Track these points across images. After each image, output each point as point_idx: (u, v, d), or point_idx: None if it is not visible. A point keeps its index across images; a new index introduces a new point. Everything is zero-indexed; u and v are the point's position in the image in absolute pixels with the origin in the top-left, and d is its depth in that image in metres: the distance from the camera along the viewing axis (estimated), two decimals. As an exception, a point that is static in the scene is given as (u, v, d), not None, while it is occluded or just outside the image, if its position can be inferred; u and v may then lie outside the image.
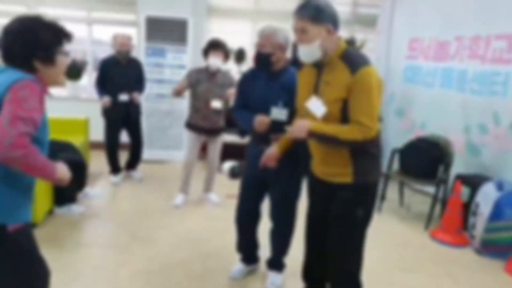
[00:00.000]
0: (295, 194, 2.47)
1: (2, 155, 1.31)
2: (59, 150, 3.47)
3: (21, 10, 5.44)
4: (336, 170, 1.91)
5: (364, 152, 1.86)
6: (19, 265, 1.54)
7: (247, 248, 2.70)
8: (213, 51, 3.50)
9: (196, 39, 5.21)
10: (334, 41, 1.81)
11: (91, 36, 5.60)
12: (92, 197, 3.81)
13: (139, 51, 5.03)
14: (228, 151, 4.93)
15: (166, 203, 3.87)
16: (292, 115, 2.21)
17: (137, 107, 4.27)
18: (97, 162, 4.67)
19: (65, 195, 3.44)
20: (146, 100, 5.01)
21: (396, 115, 5.08)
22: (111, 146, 4.26)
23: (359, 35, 5.47)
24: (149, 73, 4.96)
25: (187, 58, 5.14)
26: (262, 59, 2.32)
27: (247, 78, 2.49)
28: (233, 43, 5.34)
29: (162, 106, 5.17)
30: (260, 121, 2.28)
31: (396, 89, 5.09)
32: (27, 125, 1.36)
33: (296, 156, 2.29)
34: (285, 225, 2.52)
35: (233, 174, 4.70)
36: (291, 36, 2.07)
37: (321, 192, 2.03)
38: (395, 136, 4.85)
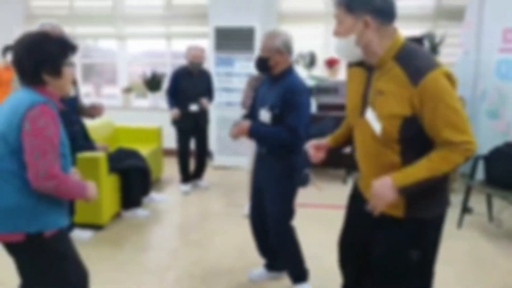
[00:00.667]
0: (284, 213, 2.39)
1: (38, 187, 1.50)
2: (126, 157, 3.70)
3: (110, 30, 6.00)
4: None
5: None
6: (56, 268, 1.63)
7: (265, 253, 2.63)
8: None
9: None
10: (377, 37, 1.42)
11: (170, 50, 5.94)
12: (158, 201, 3.97)
13: (209, 61, 5.18)
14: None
15: (228, 210, 3.87)
16: (276, 119, 2.25)
17: (205, 115, 4.36)
18: (170, 168, 4.89)
19: (131, 199, 3.63)
20: (216, 108, 5.13)
21: (488, 116, 4.44)
22: (183, 155, 4.38)
23: (440, 30, 4.95)
24: (218, 82, 5.08)
25: (255, 66, 5.14)
26: (260, 63, 2.33)
27: (261, 83, 2.51)
28: (304, 48, 5.25)
29: (231, 114, 5.23)
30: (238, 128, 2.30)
31: (488, 86, 4.46)
32: (54, 154, 1.52)
33: (291, 170, 2.31)
34: (279, 242, 2.42)
35: (299, 182, 4.53)
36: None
37: (367, 217, 1.53)
38: (487, 141, 4.23)
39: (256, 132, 2.28)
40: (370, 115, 1.46)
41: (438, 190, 1.49)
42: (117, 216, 3.63)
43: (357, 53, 1.48)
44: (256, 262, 2.83)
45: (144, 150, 4.29)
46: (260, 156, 2.46)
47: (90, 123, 4.10)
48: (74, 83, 2.98)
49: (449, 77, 1.35)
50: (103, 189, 3.32)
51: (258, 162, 2.49)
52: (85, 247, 3.08)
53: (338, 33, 1.48)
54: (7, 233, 1.54)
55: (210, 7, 5.37)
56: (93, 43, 6.62)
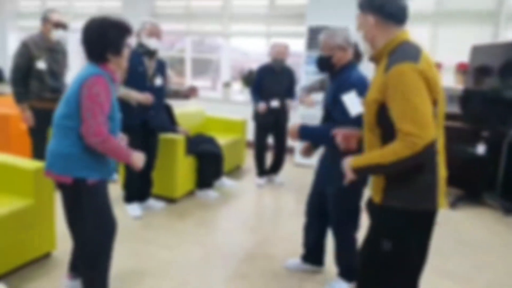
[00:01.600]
0: (346, 210, 2.37)
1: (87, 141, 1.88)
2: (203, 142, 4.09)
3: (217, 28, 6.55)
4: (373, 181, 1.63)
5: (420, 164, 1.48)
6: (91, 210, 2.03)
7: (306, 244, 2.69)
8: None
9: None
10: (382, 36, 1.57)
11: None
12: (228, 186, 4.29)
13: (301, 60, 5.31)
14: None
15: (296, 207, 3.97)
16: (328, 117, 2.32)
17: (286, 113, 4.52)
18: (249, 159, 5.20)
19: (204, 180, 4.01)
20: (302, 105, 5.24)
21: None
22: (259, 150, 4.57)
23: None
24: (307, 80, 5.20)
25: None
26: (321, 62, 2.36)
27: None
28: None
29: (317, 112, 5.29)
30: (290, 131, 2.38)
31: None
32: (103, 117, 1.89)
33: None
34: (335, 234, 2.45)
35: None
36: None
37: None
38: None
39: (304, 133, 2.32)
40: (349, 98, 1.67)
41: (416, 183, 1.49)
42: (190, 193, 4.05)
43: (366, 48, 1.65)
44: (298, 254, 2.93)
45: (226, 139, 4.66)
46: (322, 154, 2.56)
47: (185, 111, 4.65)
48: (163, 73, 3.42)
49: (421, 73, 1.41)
50: (179, 167, 3.75)
51: (320, 159, 2.58)
52: (155, 214, 3.56)
53: (356, 28, 1.68)
54: (59, 174, 1.96)
55: (308, 6, 5.50)
56: (200, 39, 7.28)
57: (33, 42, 3.55)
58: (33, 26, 8.36)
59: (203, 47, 7.25)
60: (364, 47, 1.65)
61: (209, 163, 3.99)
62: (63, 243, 2.75)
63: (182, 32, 6.94)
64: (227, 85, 6.51)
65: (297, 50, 5.51)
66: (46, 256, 2.69)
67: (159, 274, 2.63)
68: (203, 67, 7.23)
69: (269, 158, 4.72)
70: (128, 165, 3.28)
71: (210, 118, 5.14)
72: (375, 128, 1.56)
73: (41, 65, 3.56)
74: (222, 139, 4.61)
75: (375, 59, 1.61)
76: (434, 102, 1.45)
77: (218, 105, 6.42)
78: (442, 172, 1.55)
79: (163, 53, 7.30)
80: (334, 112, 2.25)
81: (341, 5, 5.24)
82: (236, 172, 4.96)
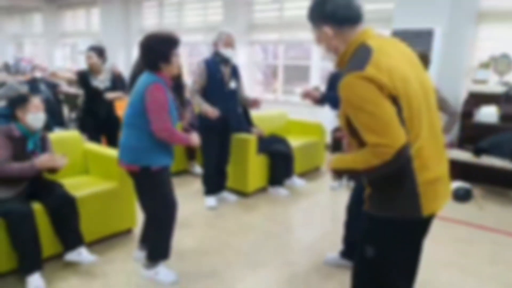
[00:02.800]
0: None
1: (159, 136, 2.33)
2: (274, 142, 4.33)
3: (308, 35, 6.75)
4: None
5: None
6: (156, 192, 2.44)
7: (344, 240, 2.75)
8: None
9: (444, 49, 4.87)
10: (342, 42, 1.49)
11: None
12: (299, 185, 4.44)
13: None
14: (459, 170, 4.36)
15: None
16: None
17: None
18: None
19: (275, 178, 4.25)
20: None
21: None
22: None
23: None
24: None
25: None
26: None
27: None
28: (498, 50, 4.62)
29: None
30: None
31: None
32: (166, 114, 2.31)
33: None
34: None
35: (456, 196, 4.14)
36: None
37: None
38: None
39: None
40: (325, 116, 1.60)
41: (396, 191, 1.45)
42: (262, 190, 4.32)
43: (331, 58, 1.57)
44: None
45: (304, 141, 4.83)
46: None
47: (267, 113, 4.99)
48: (237, 77, 3.77)
49: (369, 79, 1.33)
50: (251, 165, 4.05)
51: None
52: (228, 206, 3.93)
53: (316, 43, 1.59)
54: (129, 163, 2.40)
55: (394, 10, 5.37)
56: (292, 46, 7.53)
57: None
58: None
59: (294, 54, 7.52)
60: (330, 58, 1.57)
61: (280, 162, 4.22)
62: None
63: (276, 41, 7.30)
64: (316, 89, 6.64)
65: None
66: (128, 231, 3.22)
67: (216, 254, 2.96)
68: (295, 73, 7.49)
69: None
70: (206, 162, 3.75)
71: (291, 121, 5.36)
72: (351, 137, 1.51)
73: None
74: (300, 141, 4.79)
75: (340, 68, 1.54)
76: (395, 101, 1.35)
77: (303, 109, 6.57)
78: (432, 173, 1.45)
79: (260, 61, 7.77)
80: None
81: (427, 8, 5.01)
82: (313, 173, 5.08)
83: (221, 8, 7.82)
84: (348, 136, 1.55)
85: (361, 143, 1.43)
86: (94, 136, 4.21)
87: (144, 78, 2.38)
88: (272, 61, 7.77)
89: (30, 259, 2.39)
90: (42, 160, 2.58)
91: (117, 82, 4.28)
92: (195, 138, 2.53)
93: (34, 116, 2.64)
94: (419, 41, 4.93)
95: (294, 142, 4.64)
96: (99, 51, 4.12)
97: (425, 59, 3.17)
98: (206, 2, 8.26)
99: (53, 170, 2.68)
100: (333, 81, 4.37)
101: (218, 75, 3.60)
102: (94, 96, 4.15)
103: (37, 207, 2.55)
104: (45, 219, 2.57)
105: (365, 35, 1.48)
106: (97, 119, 4.19)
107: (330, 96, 3.28)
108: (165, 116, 2.31)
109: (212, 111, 3.47)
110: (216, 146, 3.77)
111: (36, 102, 2.70)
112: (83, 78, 4.15)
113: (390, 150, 1.31)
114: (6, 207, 2.40)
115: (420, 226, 1.53)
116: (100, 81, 4.16)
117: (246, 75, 7.52)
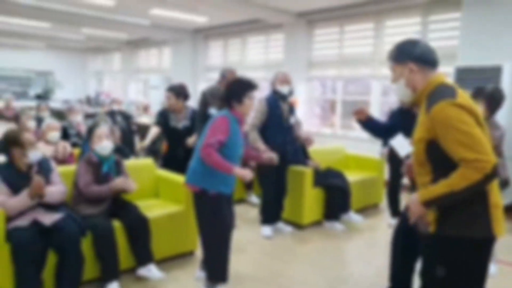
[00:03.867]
0: None
1: (201, 153, 2.58)
2: (332, 176, 4.45)
3: (367, 71, 6.89)
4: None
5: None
6: (211, 216, 2.70)
7: (391, 278, 2.63)
8: None
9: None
10: (422, 79, 1.76)
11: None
12: (355, 221, 4.47)
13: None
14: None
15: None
16: None
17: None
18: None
19: (330, 212, 4.34)
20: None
21: None
22: (393, 190, 4.51)
23: None
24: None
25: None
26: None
27: None
28: None
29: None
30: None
31: None
32: (213, 140, 2.56)
33: None
34: None
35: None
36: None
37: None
38: None
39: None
40: (398, 141, 1.78)
41: (469, 212, 1.60)
42: (318, 223, 4.42)
43: (406, 94, 1.83)
44: None
45: (361, 176, 4.90)
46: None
47: (324, 147, 5.17)
48: (293, 112, 4.01)
49: (461, 106, 1.58)
50: (306, 197, 4.21)
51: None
52: (283, 236, 4.10)
53: (392, 79, 1.87)
54: (191, 184, 2.70)
55: (458, 47, 5.40)
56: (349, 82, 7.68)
57: (210, 92, 4.38)
58: (216, 77, 10.26)
59: (354, 89, 7.67)
60: (403, 94, 1.82)
61: (336, 196, 4.32)
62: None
63: (335, 76, 7.52)
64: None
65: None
66: (191, 253, 3.49)
67: (270, 282, 3.12)
68: (353, 108, 7.59)
69: (404, 199, 4.71)
70: (264, 193, 3.96)
71: (349, 156, 5.46)
72: (425, 163, 1.72)
73: (212, 111, 4.44)
74: (358, 176, 4.87)
75: (416, 102, 1.80)
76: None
77: (362, 144, 6.62)
78: (496, 199, 1.63)
79: (318, 95, 8.00)
80: None
81: (495, 44, 5.00)
82: (372, 209, 5.10)
83: (281, 47, 8.25)
84: (418, 165, 1.74)
85: (434, 170, 1.65)
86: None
87: (219, 112, 2.72)
88: (331, 96, 7.97)
89: (110, 268, 2.73)
90: (116, 183, 2.98)
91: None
92: (243, 172, 2.60)
93: (100, 145, 3.08)
94: (485, 78, 4.87)
95: (352, 176, 4.72)
96: (177, 92, 4.17)
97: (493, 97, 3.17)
98: (267, 42, 8.75)
99: (126, 191, 3.05)
100: (394, 116, 4.41)
101: (277, 111, 3.87)
102: (173, 136, 4.27)
103: (116, 224, 2.91)
104: (122, 236, 2.92)
105: (442, 77, 1.75)
106: (178, 162, 4.08)
107: (376, 122, 3.05)
108: (212, 140, 2.54)
109: (264, 150, 3.55)
110: (274, 178, 3.99)
111: (99, 132, 3.12)
112: (163, 118, 4.25)
113: (488, 165, 1.50)
114: (92, 222, 2.79)
115: (487, 246, 1.64)
116: (178, 121, 4.23)
117: (305, 110, 7.78)
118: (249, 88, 2.71)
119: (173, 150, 4.28)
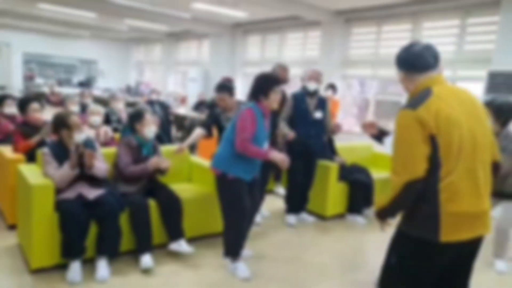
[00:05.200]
0: None
1: (238, 148, 2.81)
2: (357, 172, 4.58)
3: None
4: None
5: (419, 196, 1.70)
6: (230, 197, 2.94)
7: None
8: None
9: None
10: (411, 84, 1.82)
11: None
12: (377, 216, 4.58)
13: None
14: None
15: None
16: None
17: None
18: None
19: (353, 206, 4.48)
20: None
21: None
22: None
23: None
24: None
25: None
26: None
27: None
28: None
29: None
30: None
31: None
32: (247, 134, 2.79)
33: None
34: None
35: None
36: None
37: None
38: None
39: None
40: (389, 140, 1.97)
41: (420, 213, 1.70)
42: (341, 216, 4.56)
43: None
44: None
45: (385, 173, 4.98)
46: None
47: (351, 144, 5.28)
48: (323, 108, 4.16)
49: (416, 118, 1.64)
50: (331, 190, 4.36)
51: None
52: (305, 226, 4.26)
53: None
54: (214, 167, 2.96)
55: (494, 51, 5.35)
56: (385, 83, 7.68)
57: None
58: (254, 72, 10.47)
59: (394, 90, 7.69)
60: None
61: (359, 191, 4.44)
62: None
63: (369, 76, 7.56)
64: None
65: (476, 93, 5.39)
66: (219, 234, 3.71)
67: (289, 263, 3.32)
68: (389, 108, 7.62)
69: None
70: (290, 183, 4.15)
71: (376, 154, 5.54)
72: None
73: None
74: (383, 173, 4.96)
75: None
76: (433, 140, 1.62)
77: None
78: (460, 208, 1.65)
79: (354, 94, 8.06)
80: None
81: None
82: (395, 207, 5.17)
83: (318, 44, 8.36)
84: None
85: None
86: None
87: (246, 104, 2.93)
88: (365, 95, 8.02)
89: (144, 241, 3.02)
90: (152, 162, 3.25)
91: None
92: (279, 156, 2.84)
93: (148, 129, 3.35)
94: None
95: (376, 174, 4.81)
96: (229, 90, 3.73)
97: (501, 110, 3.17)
98: (305, 38, 8.88)
99: (162, 172, 3.33)
100: None
101: (303, 106, 4.05)
102: None
103: (151, 202, 3.20)
104: (156, 213, 3.20)
105: (431, 81, 1.76)
106: None
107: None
108: (246, 134, 2.77)
109: (290, 133, 3.91)
110: (301, 170, 4.16)
111: (149, 117, 3.40)
112: (214, 120, 3.84)
113: (398, 184, 1.66)
114: (130, 199, 3.09)
115: (436, 250, 1.70)
116: (229, 120, 3.66)
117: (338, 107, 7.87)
118: (275, 83, 2.90)
119: None
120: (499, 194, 3.11)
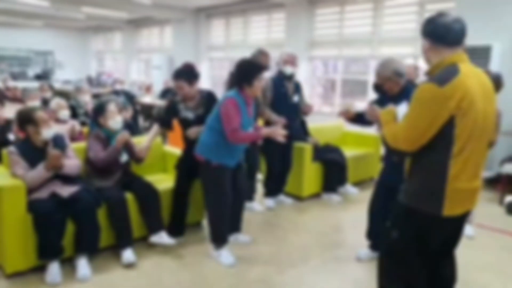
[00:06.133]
0: None
1: (231, 138, 2.78)
2: (330, 151, 4.66)
3: (367, 51, 7.00)
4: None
5: (422, 169, 1.77)
6: (213, 184, 2.94)
7: (371, 236, 3.09)
8: None
9: (503, 67, 4.92)
10: (435, 56, 1.77)
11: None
12: (351, 193, 4.69)
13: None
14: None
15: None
16: None
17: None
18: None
19: (328, 185, 4.57)
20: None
21: None
22: None
23: None
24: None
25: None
26: (376, 88, 2.84)
27: None
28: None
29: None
30: None
31: None
32: (234, 124, 2.76)
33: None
34: None
35: (509, 209, 4.20)
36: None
37: None
38: None
39: None
40: (402, 108, 1.96)
41: (425, 187, 1.76)
42: (316, 195, 4.65)
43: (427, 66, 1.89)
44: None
45: (358, 151, 5.12)
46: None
47: (323, 124, 5.33)
48: (299, 92, 4.17)
49: (440, 95, 1.64)
50: (306, 171, 4.42)
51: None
52: (284, 207, 4.33)
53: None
54: (199, 154, 2.93)
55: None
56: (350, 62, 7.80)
57: None
58: (219, 57, 10.34)
59: (356, 69, 7.81)
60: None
61: (333, 170, 4.54)
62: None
63: (335, 56, 7.64)
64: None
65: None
66: (197, 223, 3.72)
67: (271, 246, 3.37)
68: (354, 87, 7.76)
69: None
70: (269, 167, 4.16)
71: (347, 133, 5.65)
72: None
73: None
74: (355, 151, 5.08)
75: (428, 75, 1.81)
76: (452, 120, 1.65)
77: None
78: (462, 185, 1.72)
79: (319, 75, 8.13)
80: None
81: (486, 24, 5.12)
82: (367, 183, 5.32)
83: (283, 26, 8.33)
84: None
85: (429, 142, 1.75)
86: (183, 180, 3.40)
87: (227, 92, 2.92)
88: (331, 76, 8.11)
89: (124, 236, 2.96)
90: (118, 139, 3.13)
91: (211, 104, 3.19)
92: (267, 130, 2.88)
93: (113, 120, 3.24)
94: (473, 59, 4.99)
95: (349, 152, 4.93)
96: (188, 77, 3.22)
97: (497, 82, 3.31)
98: (269, 21, 8.83)
99: (138, 160, 3.30)
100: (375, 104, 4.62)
101: (282, 90, 4.04)
102: (185, 128, 3.36)
103: (128, 195, 3.13)
104: (134, 206, 3.14)
105: (458, 57, 1.74)
106: (189, 161, 3.25)
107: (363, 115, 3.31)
108: (233, 125, 2.76)
109: (280, 120, 3.84)
110: (279, 153, 4.17)
111: (112, 108, 3.27)
112: (171, 113, 3.40)
113: (397, 145, 1.78)
114: (106, 193, 3.01)
115: (435, 223, 1.79)
116: (190, 110, 3.33)
117: (307, 89, 7.92)
118: (259, 71, 2.87)
119: (189, 148, 3.29)
120: None
